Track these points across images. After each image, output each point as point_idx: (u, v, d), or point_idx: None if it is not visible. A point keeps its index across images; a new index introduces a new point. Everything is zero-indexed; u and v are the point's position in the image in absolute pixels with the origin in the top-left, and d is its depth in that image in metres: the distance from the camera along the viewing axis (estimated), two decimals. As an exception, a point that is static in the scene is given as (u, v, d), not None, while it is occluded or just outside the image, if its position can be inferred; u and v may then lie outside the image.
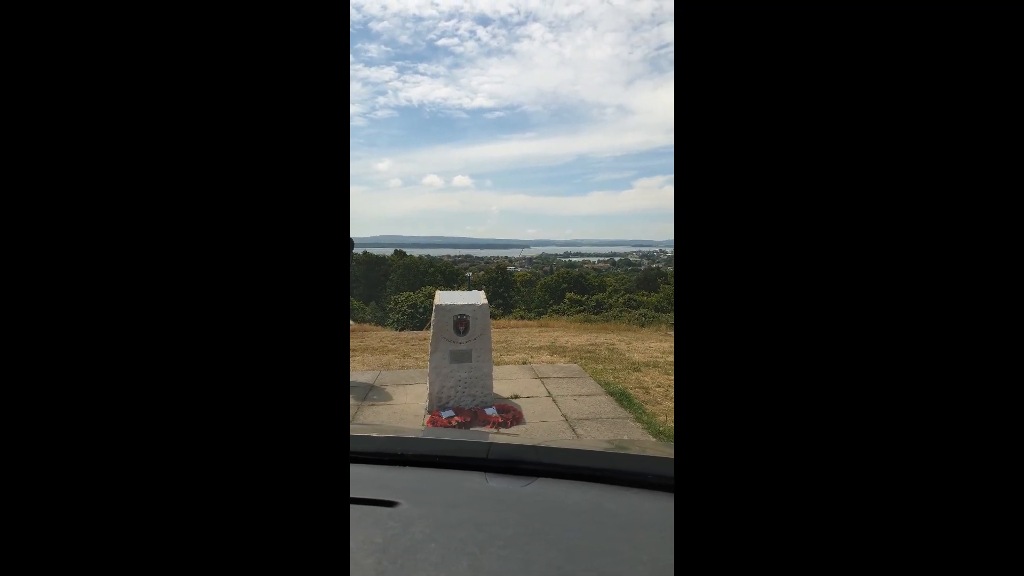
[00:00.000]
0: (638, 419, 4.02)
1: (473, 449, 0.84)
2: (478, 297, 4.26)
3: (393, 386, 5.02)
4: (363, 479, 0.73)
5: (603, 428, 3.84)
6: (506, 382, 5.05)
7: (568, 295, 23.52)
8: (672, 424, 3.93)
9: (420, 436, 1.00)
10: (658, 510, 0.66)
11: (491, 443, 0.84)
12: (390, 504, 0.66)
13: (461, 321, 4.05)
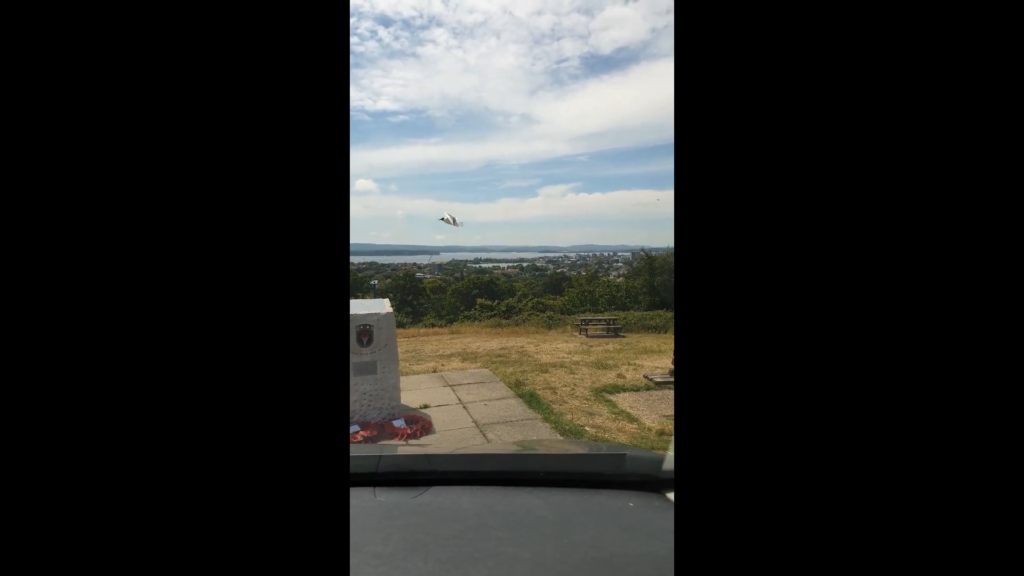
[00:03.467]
0: (546, 419, 4.16)
1: (361, 464, 0.80)
2: (382, 305, 4.11)
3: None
4: None
5: (513, 430, 3.91)
6: (415, 392, 4.92)
7: (479, 300, 23.65)
8: (577, 422, 4.12)
9: None
10: (546, 506, 0.67)
11: (381, 456, 0.81)
12: None
13: (364, 331, 3.87)
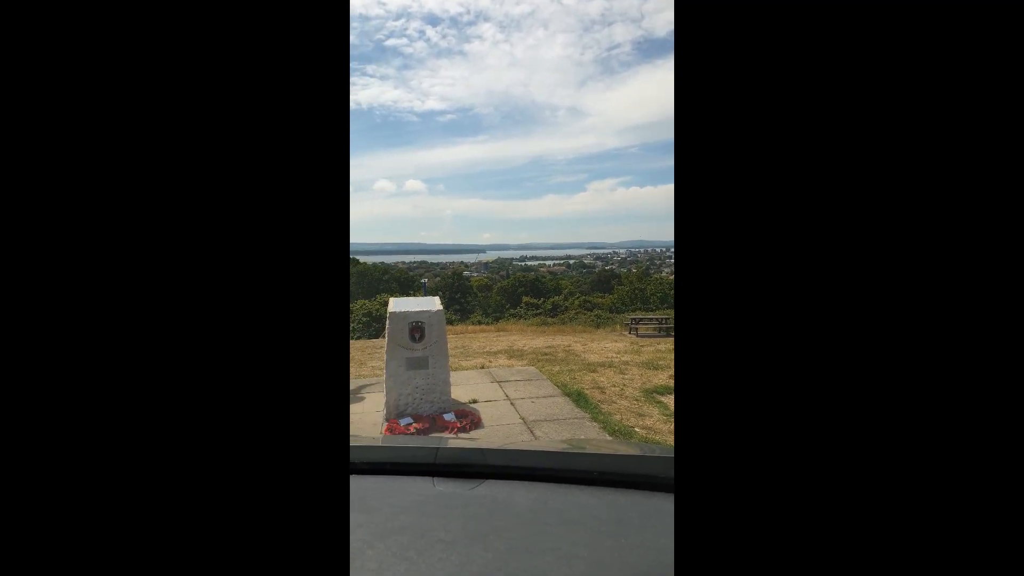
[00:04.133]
0: (594, 418, 4.11)
1: (421, 454, 0.84)
2: (433, 303, 4.23)
3: (350, 395, 4.86)
4: None
5: (560, 428, 3.90)
6: (464, 387, 5.02)
7: (525, 299, 23.74)
8: (626, 422, 4.05)
9: (368, 444, 0.98)
10: (600, 505, 0.68)
11: (439, 447, 0.84)
12: None
13: (416, 328, 4.00)
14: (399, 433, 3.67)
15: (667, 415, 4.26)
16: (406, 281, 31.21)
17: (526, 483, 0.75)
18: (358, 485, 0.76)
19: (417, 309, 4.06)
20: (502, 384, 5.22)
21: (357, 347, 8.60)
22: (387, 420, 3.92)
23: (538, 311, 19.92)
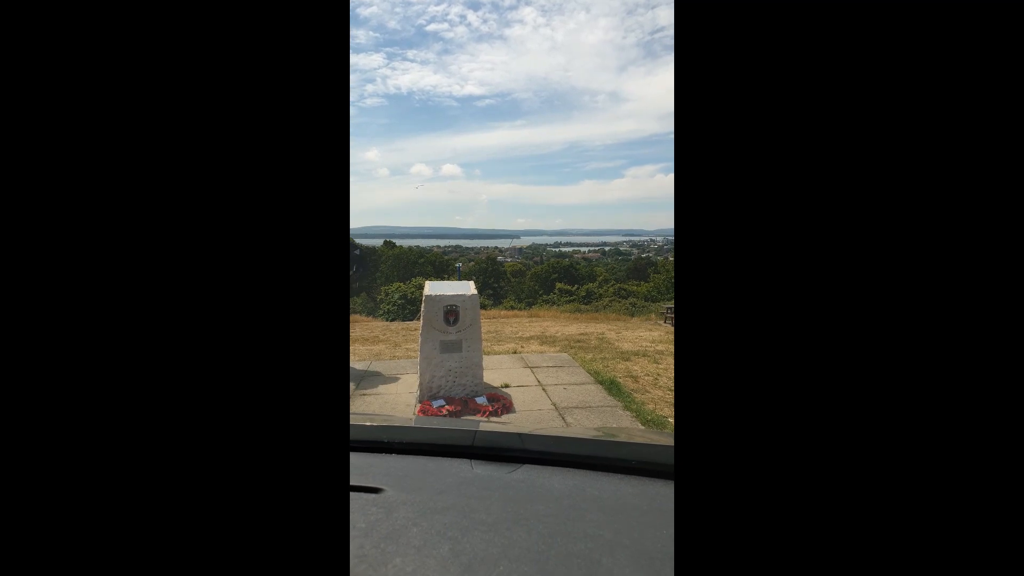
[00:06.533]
0: (627, 407, 4.07)
1: (459, 437, 0.85)
2: (467, 287, 4.26)
3: (384, 376, 5.01)
4: (350, 467, 0.73)
5: (592, 416, 3.88)
6: (496, 371, 5.07)
7: (558, 285, 23.62)
8: (660, 412, 3.98)
9: (407, 424, 1.00)
10: (640, 495, 0.67)
11: (477, 430, 0.85)
12: (375, 491, 0.65)
13: (451, 311, 4.05)
14: (432, 414, 3.75)
15: (703, 407, 4.16)
16: (441, 265, 31.62)
17: (563, 469, 0.75)
18: (397, 464, 0.78)
19: (452, 293, 4.10)
20: (534, 370, 5.23)
21: (393, 329, 8.81)
22: (420, 401, 4.01)
23: (572, 298, 19.80)
